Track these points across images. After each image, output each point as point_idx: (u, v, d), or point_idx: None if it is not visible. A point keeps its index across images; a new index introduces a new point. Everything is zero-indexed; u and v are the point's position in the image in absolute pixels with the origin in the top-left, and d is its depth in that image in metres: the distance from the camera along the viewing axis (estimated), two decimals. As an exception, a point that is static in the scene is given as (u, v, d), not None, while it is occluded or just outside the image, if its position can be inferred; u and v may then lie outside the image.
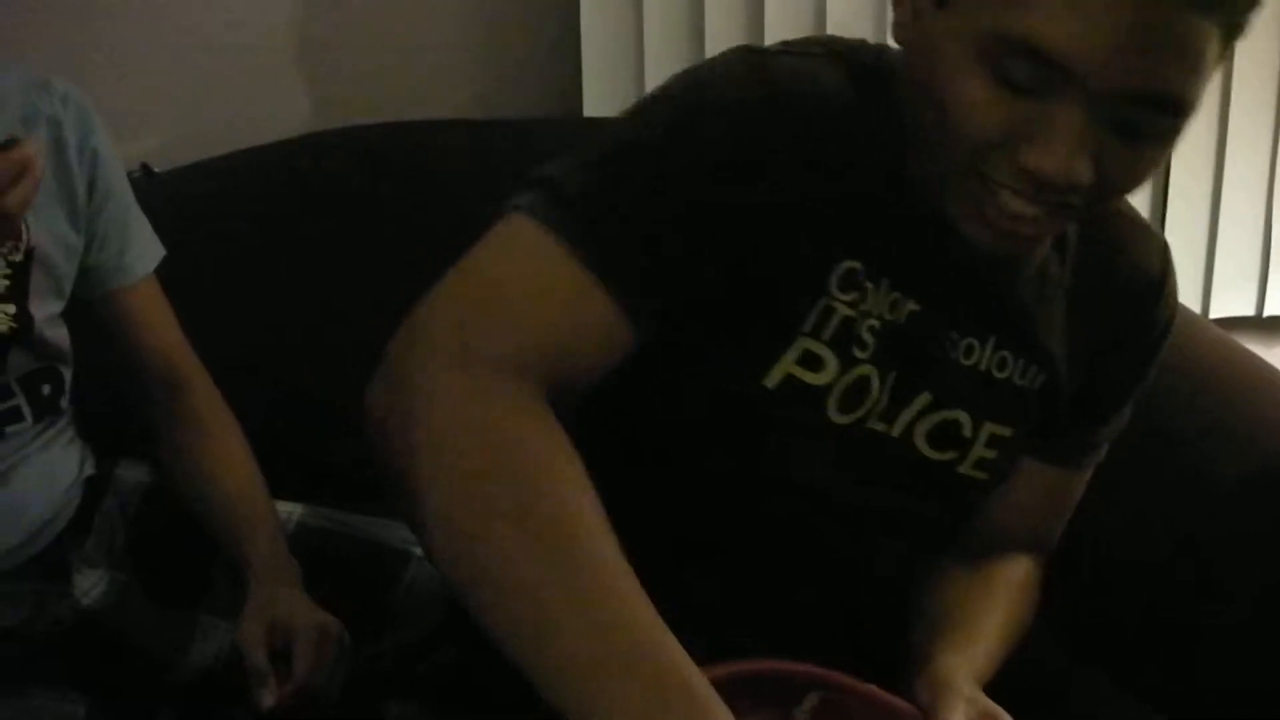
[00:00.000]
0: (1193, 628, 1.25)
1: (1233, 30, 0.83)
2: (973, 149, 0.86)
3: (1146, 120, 0.84)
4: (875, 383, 0.97)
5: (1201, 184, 2.23)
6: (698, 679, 0.72)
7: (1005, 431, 1.05)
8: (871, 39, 1.01)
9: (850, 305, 0.95)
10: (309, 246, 1.66)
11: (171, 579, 1.31)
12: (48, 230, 1.21)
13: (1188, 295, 2.26)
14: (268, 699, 1.13)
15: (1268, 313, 2.32)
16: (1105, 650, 1.26)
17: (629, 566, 0.75)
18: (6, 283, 1.18)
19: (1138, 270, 1.08)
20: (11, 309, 1.18)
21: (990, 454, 1.05)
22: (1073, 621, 1.26)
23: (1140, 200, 2.21)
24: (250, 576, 1.24)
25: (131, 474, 1.36)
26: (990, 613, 1.06)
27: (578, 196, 0.86)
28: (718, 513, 1.00)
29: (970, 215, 0.90)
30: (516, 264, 0.86)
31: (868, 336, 0.96)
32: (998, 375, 1.03)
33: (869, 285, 0.95)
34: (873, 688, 0.92)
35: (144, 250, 1.33)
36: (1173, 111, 0.84)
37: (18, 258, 1.18)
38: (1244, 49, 2.16)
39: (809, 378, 0.95)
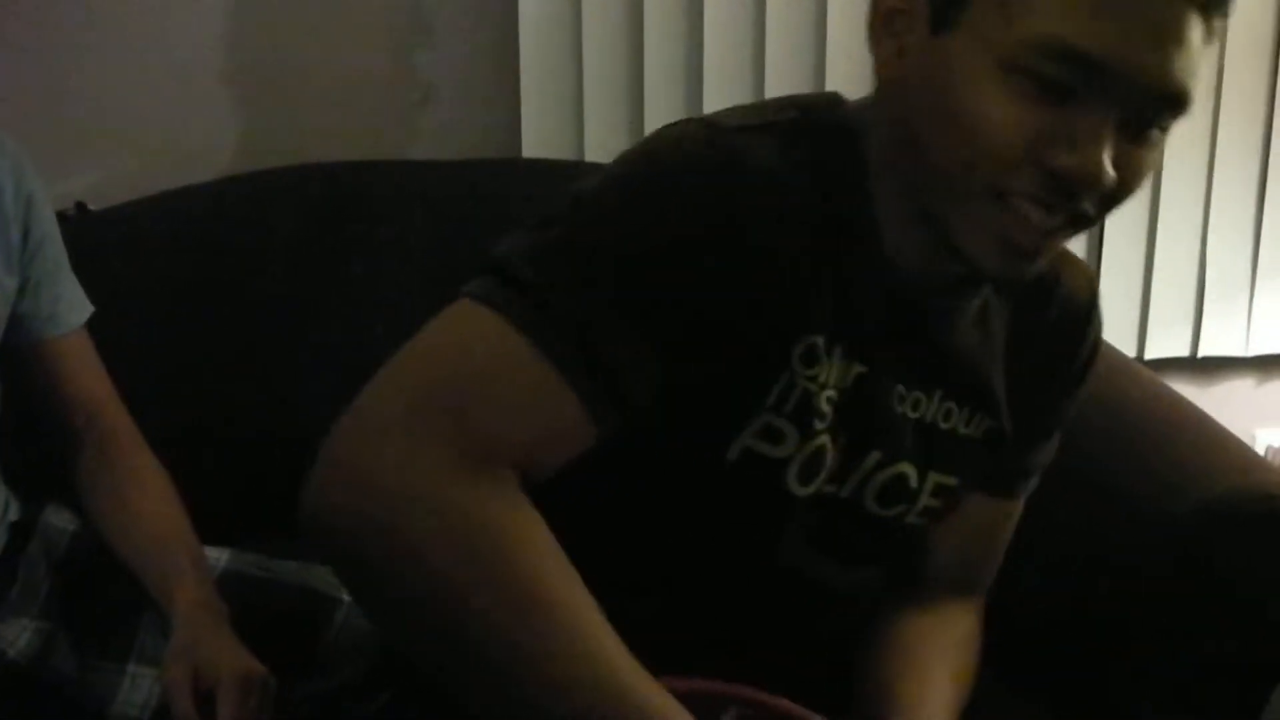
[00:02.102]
0: (1131, 666, 1.26)
1: (1211, 34, 0.88)
2: (999, 163, 0.87)
3: (1161, 119, 0.89)
4: (829, 450, 0.98)
5: (1137, 225, 2.26)
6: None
7: (950, 481, 1.06)
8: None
9: (811, 379, 0.94)
10: (237, 290, 1.65)
11: (99, 628, 1.28)
12: None
13: (1123, 336, 2.29)
14: None
15: (1202, 353, 2.35)
16: (1047, 689, 1.28)
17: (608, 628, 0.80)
18: None
19: (1069, 300, 1.10)
20: None
21: (935, 503, 1.06)
22: (1015, 663, 1.26)
23: (1076, 241, 2.23)
24: (175, 618, 1.21)
25: (58, 520, 1.34)
26: (938, 686, 1.06)
27: (533, 282, 0.85)
28: (680, 582, 1.01)
29: (981, 240, 0.91)
30: (479, 354, 0.85)
31: (825, 407, 0.96)
32: (943, 426, 1.04)
33: (826, 358, 0.95)
34: (786, 701, 0.92)
35: (76, 302, 1.33)
36: (1184, 108, 0.88)
37: None
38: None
39: (769, 450, 0.95)
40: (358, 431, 0.81)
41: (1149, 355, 2.31)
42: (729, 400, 0.93)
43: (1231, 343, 2.37)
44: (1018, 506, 1.16)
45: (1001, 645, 1.17)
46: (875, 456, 1.00)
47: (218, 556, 1.35)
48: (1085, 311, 1.12)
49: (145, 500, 1.32)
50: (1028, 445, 1.12)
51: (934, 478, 1.04)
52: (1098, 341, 1.14)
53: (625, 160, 0.93)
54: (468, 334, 0.85)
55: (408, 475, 0.79)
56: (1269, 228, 2.32)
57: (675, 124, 0.94)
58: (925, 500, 1.05)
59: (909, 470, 1.03)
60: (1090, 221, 0.92)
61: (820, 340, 0.94)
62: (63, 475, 1.36)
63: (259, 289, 1.65)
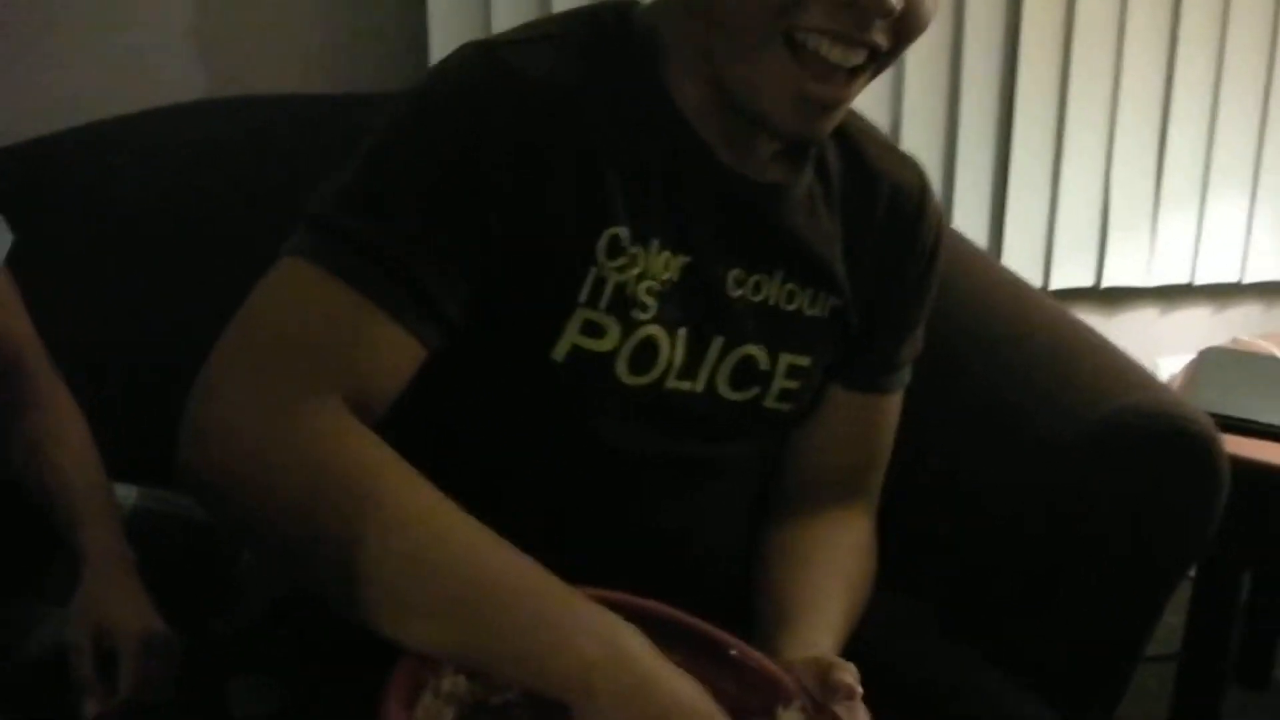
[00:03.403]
0: (1045, 587, 1.28)
1: None
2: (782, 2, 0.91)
3: None
4: (665, 343, 1.01)
5: (1041, 157, 2.29)
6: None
7: (803, 360, 1.09)
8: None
9: (620, 270, 0.98)
10: (152, 221, 1.63)
11: (8, 567, 1.27)
12: None
13: (1028, 267, 2.32)
14: (91, 709, 1.11)
15: (1106, 283, 2.40)
16: (969, 621, 1.29)
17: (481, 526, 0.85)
18: None
19: (899, 191, 1.13)
20: None
21: (792, 384, 1.09)
22: (934, 594, 1.30)
23: (980, 173, 2.27)
24: (84, 567, 1.21)
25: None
26: (830, 594, 1.08)
27: (343, 228, 0.90)
28: (536, 486, 1.03)
29: (778, 96, 0.94)
30: (297, 306, 0.90)
31: (647, 299, 0.99)
32: (786, 307, 1.07)
33: (637, 249, 0.99)
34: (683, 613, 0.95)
35: None
36: None
37: None
38: (1082, 27, 2.23)
39: (592, 345, 0.98)
40: (206, 395, 0.87)
41: (1054, 286, 2.35)
42: (542, 300, 0.97)
43: (1134, 273, 2.42)
44: (890, 404, 1.18)
45: (895, 560, 1.18)
46: (719, 342, 1.04)
47: (126, 494, 1.35)
48: (916, 202, 1.14)
49: (59, 445, 1.31)
50: (885, 339, 1.15)
51: (785, 358, 1.08)
52: (939, 230, 1.17)
53: (408, 92, 0.97)
54: (290, 288, 0.91)
55: (257, 428, 0.85)
56: (1172, 158, 2.36)
57: (454, 50, 0.98)
58: (780, 382, 1.08)
59: (757, 352, 1.06)
60: (887, 59, 0.97)
61: (623, 231, 0.97)
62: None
63: (173, 223, 1.64)
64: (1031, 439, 1.28)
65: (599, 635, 0.81)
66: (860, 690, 0.91)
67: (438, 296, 0.91)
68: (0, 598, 1.25)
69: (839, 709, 0.91)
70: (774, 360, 1.07)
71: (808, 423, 1.15)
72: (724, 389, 1.06)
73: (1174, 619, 1.79)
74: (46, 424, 1.32)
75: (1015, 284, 1.61)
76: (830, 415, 1.15)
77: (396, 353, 0.91)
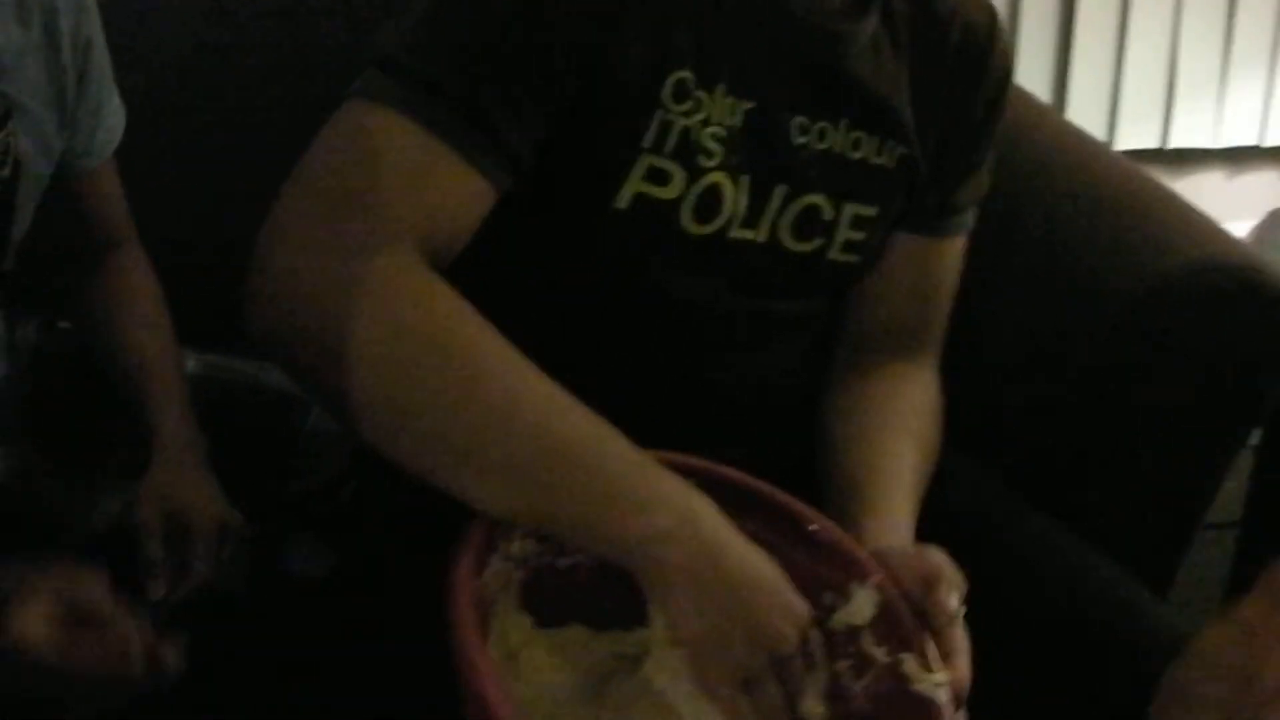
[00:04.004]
0: (1111, 445, 1.27)
1: None
2: None
3: None
4: (729, 190, 1.00)
5: (1107, 14, 2.24)
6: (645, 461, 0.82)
7: (869, 211, 1.07)
8: None
9: (686, 115, 0.96)
10: (203, 80, 1.61)
11: (73, 441, 1.28)
12: (37, 139, 1.12)
13: (1094, 128, 2.27)
14: (157, 590, 1.11)
15: (1172, 145, 2.35)
16: (1033, 482, 1.27)
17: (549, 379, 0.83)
18: None
19: (969, 29, 1.11)
20: None
21: (858, 235, 1.07)
22: (998, 457, 1.28)
23: (1045, 32, 2.21)
24: (156, 452, 1.20)
25: (21, 333, 1.32)
26: (904, 461, 1.06)
27: (412, 69, 0.89)
28: (600, 342, 1.02)
29: None
30: (366, 148, 0.88)
31: (712, 144, 0.98)
32: (852, 156, 1.05)
33: (703, 93, 0.97)
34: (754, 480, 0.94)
35: (111, 129, 1.25)
36: None
37: (5, 173, 1.09)
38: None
39: (658, 192, 0.97)
40: (274, 241, 0.86)
41: (1119, 147, 2.31)
42: (607, 145, 0.96)
43: (1202, 134, 2.37)
44: (952, 249, 1.16)
45: (960, 423, 1.17)
46: (781, 191, 1.02)
47: (188, 360, 1.34)
48: (985, 36, 1.12)
49: (138, 326, 1.29)
50: (951, 181, 1.13)
51: (850, 208, 1.06)
52: (1007, 69, 1.14)
53: None
54: (358, 131, 0.89)
55: (327, 274, 0.83)
56: (1242, 18, 2.30)
57: None
58: (845, 233, 1.06)
59: (820, 202, 1.04)
60: None
61: (688, 74, 0.96)
62: (59, 294, 1.33)
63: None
64: (1099, 292, 1.26)
65: (671, 505, 0.81)
66: (963, 610, 0.90)
67: (508, 139, 0.90)
68: (65, 470, 1.27)
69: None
70: (838, 210, 1.05)
71: (869, 272, 1.13)
72: (787, 239, 1.04)
73: (1237, 487, 1.78)
74: (127, 307, 1.30)
75: (1080, 138, 1.57)
76: (890, 261, 1.13)
77: (467, 195, 0.89)
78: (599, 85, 0.93)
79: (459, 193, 0.89)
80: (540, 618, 0.89)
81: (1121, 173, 1.45)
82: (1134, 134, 2.32)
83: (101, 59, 1.20)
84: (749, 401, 1.08)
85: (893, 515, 1.00)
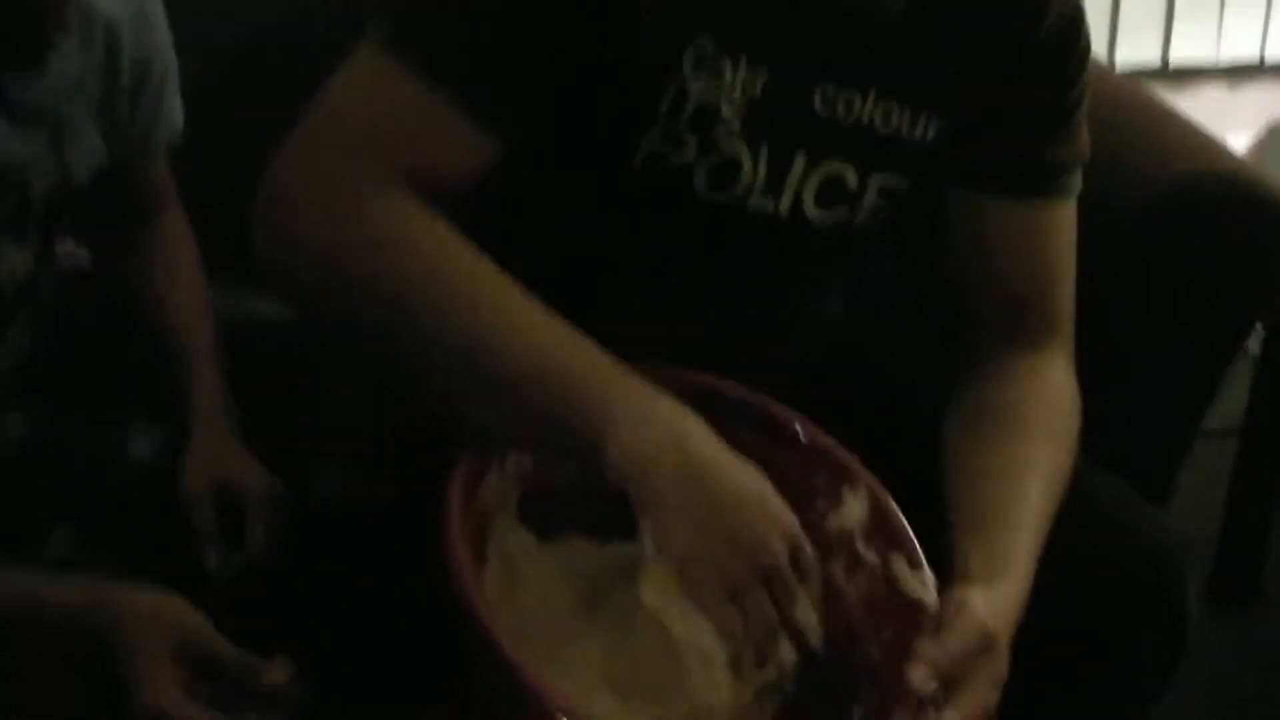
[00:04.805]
0: (1109, 352, 1.25)
1: None
2: None
3: None
4: (747, 160, 0.99)
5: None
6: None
7: (898, 183, 1.04)
8: None
9: (704, 83, 0.95)
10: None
11: (101, 389, 1.30)
12: (86, 156, 1.15)
13: (1092, 46, 2.26)
14: (214, 561, 1.14)
15: (1173, 62, 2.34)
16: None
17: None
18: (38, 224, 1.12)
19: (1065, 5, 1.04)
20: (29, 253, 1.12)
21: (883, 203, 1.05)
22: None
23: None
24: (195, 420, 1.21)
25: (50, 284, 1.33)
26: (1029, 488, 0.99)
27: (421, 22, 0.90)
28: (615, 296, 1.02)
29: None
30: (371, 95, 0.90)
31: (729, 114, 0.97)
32: (882, 128, 1.02)
33: (724, 63, 0.95)
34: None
35: (165, 130, 1.28)
36: None
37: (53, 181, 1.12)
38: None
39: (671, 155, 0.97)
40: (283, 169, 0.88)
41: (1119, 63, 2.30)
42: (622, 111, 0.95)
43: (1202, 50, 2.36)
44: (1056, 213, 1.08)
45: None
46: (801, 159, 1.01)
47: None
48: (1075, 13, 1.06)
49: (178, 291, 1.31)
50: (1039, 142, 1.07)
51: (877, 179, 1.03)
52: (1074, 14, 1.07)
53: None
54: (367, 78, 0.91)
55: (324, 206, 0.86)
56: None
57: None
58: (870, 201, 1.04)
59: (845, 171, 1.02)
60: None
61: (709, 43, 0.94)
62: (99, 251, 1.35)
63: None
64: (1098, 206, 1.26)
65: (658, 421, 0.82)
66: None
67: (514, 97, 0.90)
68: (95, 417, 1.28)
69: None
70: (864, 180, 1.03)
71: (966, 252, 1.09)
72: (810, 208, 1.02)
73: (1237, 395, 1.80)
74: (165, 267, 1.32)
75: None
76: (994, 232, 1.07)
77: (468, 149, 0.90)
78: (616, 50, 0.92)
79: (460, 146, 0.90)
80: (541, 531, 0.91)
81: (1120, 90, 1.46)
82: (1134, 51, 2.32)
83: (165, 68, 1.22)
84: (768, 348, 1.08)
85: (1009, 561, 0.93)
